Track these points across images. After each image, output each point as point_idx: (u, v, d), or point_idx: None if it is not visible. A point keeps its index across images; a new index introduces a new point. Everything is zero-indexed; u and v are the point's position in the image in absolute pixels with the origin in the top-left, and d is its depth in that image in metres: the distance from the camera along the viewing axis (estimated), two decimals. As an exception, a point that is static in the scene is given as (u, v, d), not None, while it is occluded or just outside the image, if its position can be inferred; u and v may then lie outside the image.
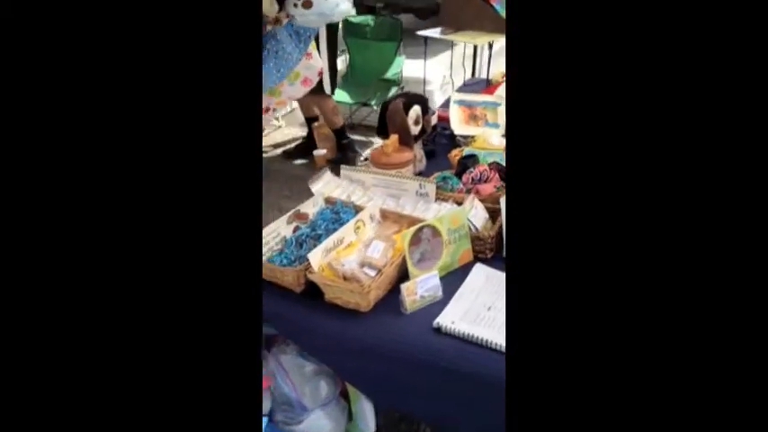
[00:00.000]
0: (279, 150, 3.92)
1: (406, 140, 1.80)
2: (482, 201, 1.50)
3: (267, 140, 4.02)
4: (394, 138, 1.76)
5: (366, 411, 1.44)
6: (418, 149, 1.89)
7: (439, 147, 2.08)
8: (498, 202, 1.47)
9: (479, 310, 1.23)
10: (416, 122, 1.83)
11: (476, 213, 1.44)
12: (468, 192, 1.58)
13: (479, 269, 1.38)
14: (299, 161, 3.74)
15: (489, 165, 1.67)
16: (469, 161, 1.73)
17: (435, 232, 1.35)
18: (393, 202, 1.59)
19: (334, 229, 1.41)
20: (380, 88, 3.85)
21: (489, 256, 1.42)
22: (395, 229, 1.45)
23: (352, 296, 1.23)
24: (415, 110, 1.82)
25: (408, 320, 1.24)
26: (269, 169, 3.48)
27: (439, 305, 1.27)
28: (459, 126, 2.10)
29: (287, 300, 1.31)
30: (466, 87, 2.95)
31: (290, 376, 1.38)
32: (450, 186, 1.65)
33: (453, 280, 1.35)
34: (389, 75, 3.92)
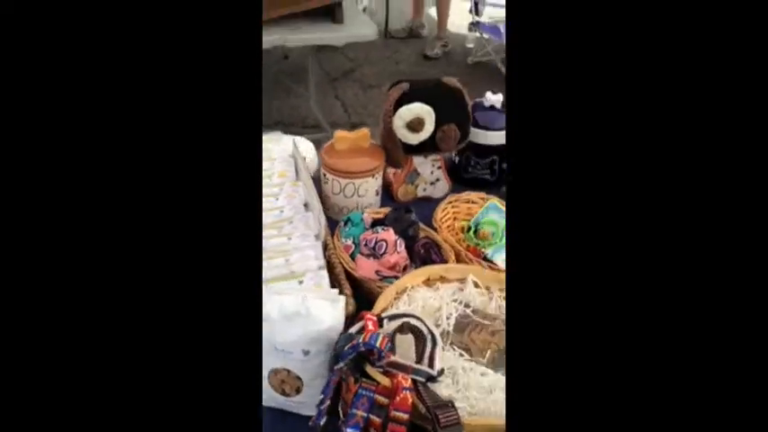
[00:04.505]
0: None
1: (393, 156, 1.22)
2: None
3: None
4: (363, 132, 1.19)
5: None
6: (427, 167, 1.26)
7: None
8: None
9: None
10: (414, 129, 1.15)
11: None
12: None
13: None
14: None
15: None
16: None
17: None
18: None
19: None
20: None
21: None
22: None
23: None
24: (416, 110, 1.14)
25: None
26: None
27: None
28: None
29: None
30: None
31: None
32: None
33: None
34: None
